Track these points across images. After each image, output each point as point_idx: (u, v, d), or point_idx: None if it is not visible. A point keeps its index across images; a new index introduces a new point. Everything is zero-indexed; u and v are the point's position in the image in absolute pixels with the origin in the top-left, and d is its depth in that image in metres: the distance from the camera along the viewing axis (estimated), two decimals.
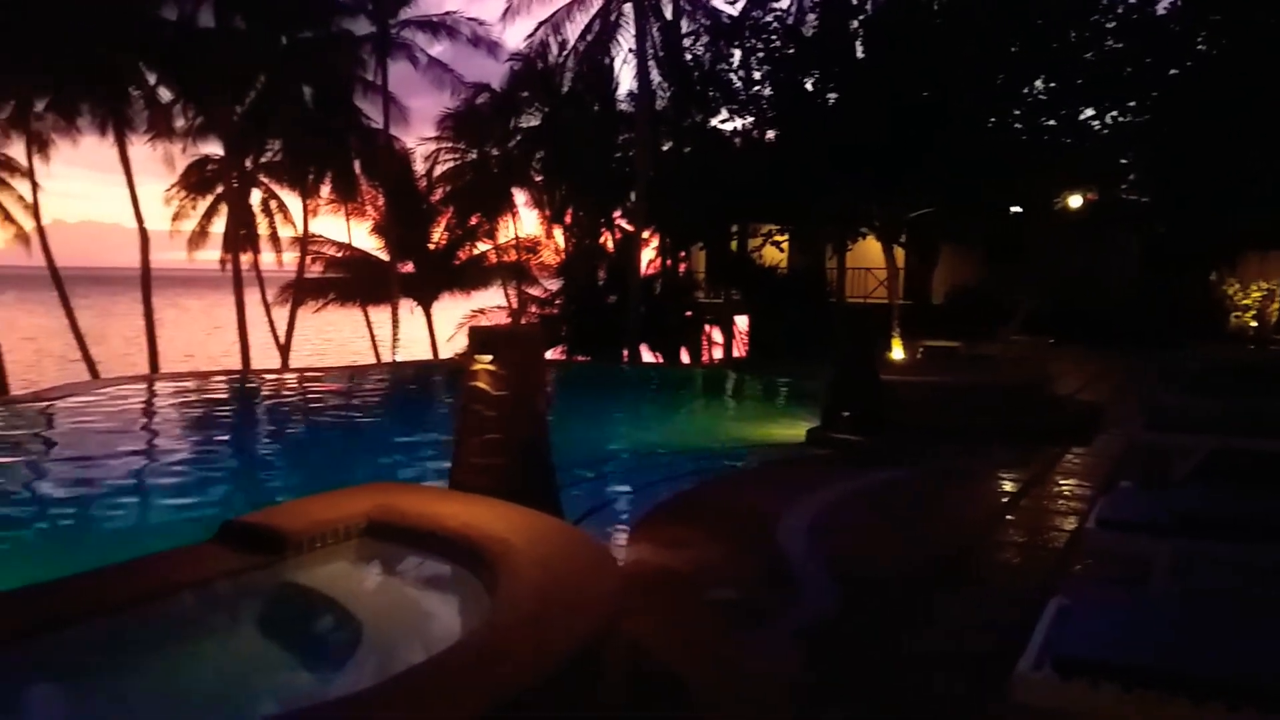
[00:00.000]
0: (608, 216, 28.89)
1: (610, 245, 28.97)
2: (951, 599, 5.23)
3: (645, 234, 26.32)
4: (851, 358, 10.45)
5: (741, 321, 28.14)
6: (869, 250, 22.84)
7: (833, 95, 18.92)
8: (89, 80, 22.04)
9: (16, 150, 24.36)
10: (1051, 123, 17.70)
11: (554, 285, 29.66)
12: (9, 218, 25.62)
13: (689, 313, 26.97)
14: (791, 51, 19.02)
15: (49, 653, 3.60)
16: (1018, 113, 17.73)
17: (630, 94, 26.79)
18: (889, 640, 4.64)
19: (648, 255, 27.64)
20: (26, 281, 33.04)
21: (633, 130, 26.21)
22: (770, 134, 21.62)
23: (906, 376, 13.48)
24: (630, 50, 25.49)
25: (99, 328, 27.47)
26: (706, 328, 28.39)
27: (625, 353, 24.18)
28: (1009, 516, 7.03)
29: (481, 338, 5.61)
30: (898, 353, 17.61)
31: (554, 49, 26.65)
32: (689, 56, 24.02)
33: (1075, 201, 20.15)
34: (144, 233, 24.40)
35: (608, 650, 3.63)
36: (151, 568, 4.28)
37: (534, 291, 30.33)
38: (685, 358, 26.66)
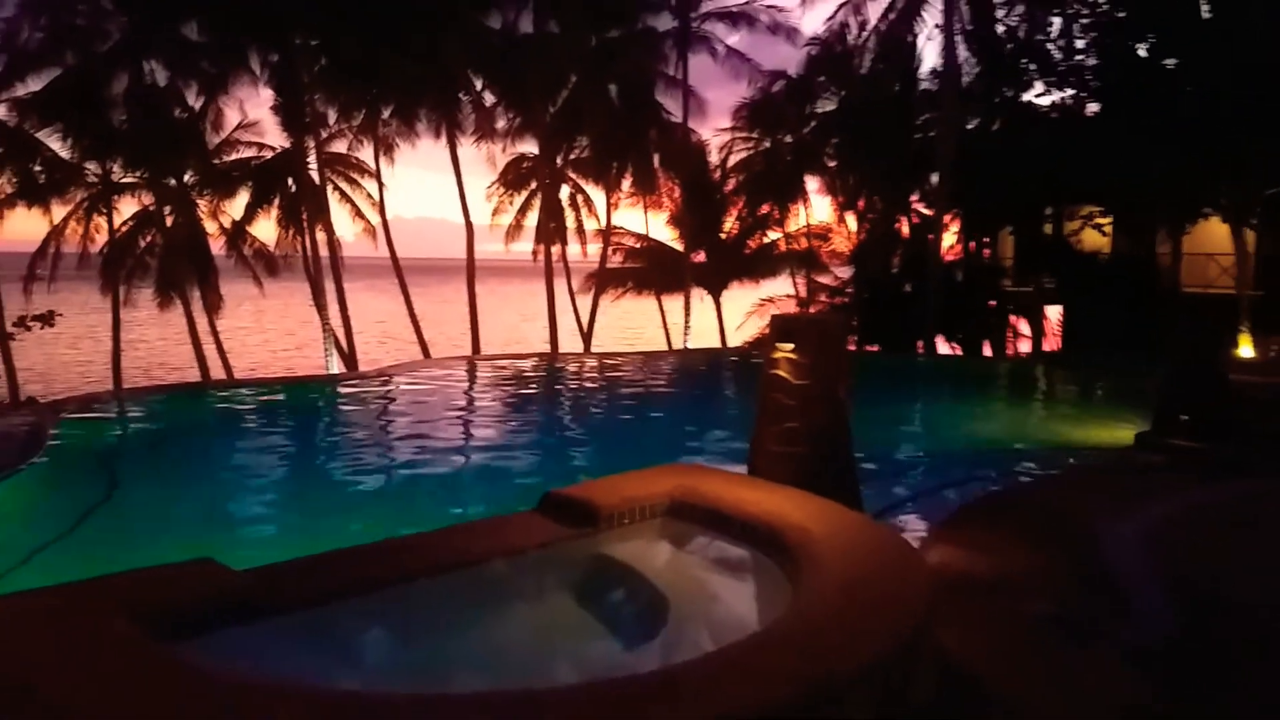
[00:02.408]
0: (904, 201, 27.81)
1: (906, 231, 27.87)
2: None
3: (946, 218, 25.05)
4: (1191, 354, 9.30)
5: (1053, 312, 26.01)
6: (1210, 233, 20.24)
7: (1171, 61, 16.92)
8: (428, 89, 24.57)
9: (366, 154, 27.77)
10: None
11: (844, 273, 29.04)
12: (360, 214, 29.13)
13: (993, 302, 25.35)
14: (1123, 15, 17.22)
15: (392, 604, 3.99)
16: None
17: (933, 71, 25.60)
18: (1245, 671, 4.07)
19: (948, 241, 26.30)
20: (373, 271, 37.59)
21: (935, 109, 25.03)
22: (1093, 107, 19.76)
23: (1259, 377, 11.81)
24: (936, 26, 24.35)
25: (431, 313, 30.63)
26: (1012, 318, 26.55)
27: (920, 344, 23.18)
28: None
29: (783, 326, 5.59)
30: (1246, 350, 15.48)
31: (853, 30, 26.04)
32: (1001, 28, 22.50)
33: None
34: (470, 226, 26.84)
35: (917, 652, 3.48)
36: (486, 532, 4.67)
37: (824, 280, 29.88)
38: (987, 350, 25.12)
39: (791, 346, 5.39)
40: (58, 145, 23.44)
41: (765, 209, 29.48)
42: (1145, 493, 7.17)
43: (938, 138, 24.19)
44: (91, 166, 24.13)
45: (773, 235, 30.33)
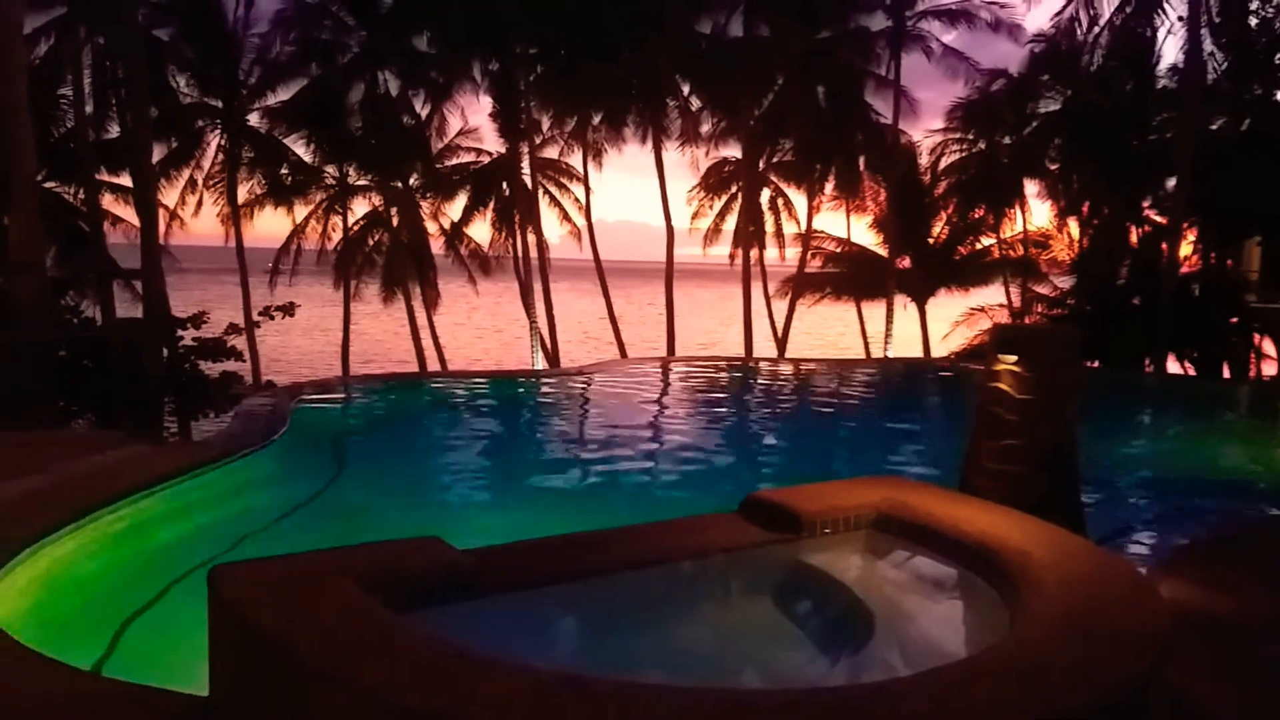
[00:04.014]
0: (1135, 207, 25.84)
1: (1135, 240, 25.89)
2: None
3: (1182, 226, 23.06)
4: None
5: None
6: None
7: None
8: (637, 95, 25.22)
9: (575, 159, 28.82)
10: None
11: (1064, 283, 27.36)
12: (567, 217, 30.25)
13: (1234, 319, 23.10)
14: None
15: (598, 594, 4.07)
16: None
17: (1173, 68, 23.70)
18: None
19: (1184, 251, 24.18)
20: (576, 272, 39.02)
21: (1173, 109, 23.14)
22: None
23: None
24: (1179, 19, 22.50)
25: (629, 314, 31.41)
26: (1256, 337, 24.08)
27: (1148, 362, 21.44)
28: None
29: (1005, 336, 5.32)
30: None
31: (1083, 25, 24.49)
32: (1254, 20, 20.53)
33: None
34: (670, 230, 27.26)
35: (1152, 693, 3.22)
36: (686, 530, 4.70)
37: (1041, 289, 28.24)
38: (1226, 371, 22.92)
39: (1015, 358, 5.11)
40: (302, 150, 25.79)
41: (978, 213, 28.27)
42: None
43: (1176, 140, 22.35)
44: (330, 169, 26.34)
45: (986, 241, 29.03)
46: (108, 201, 23.09)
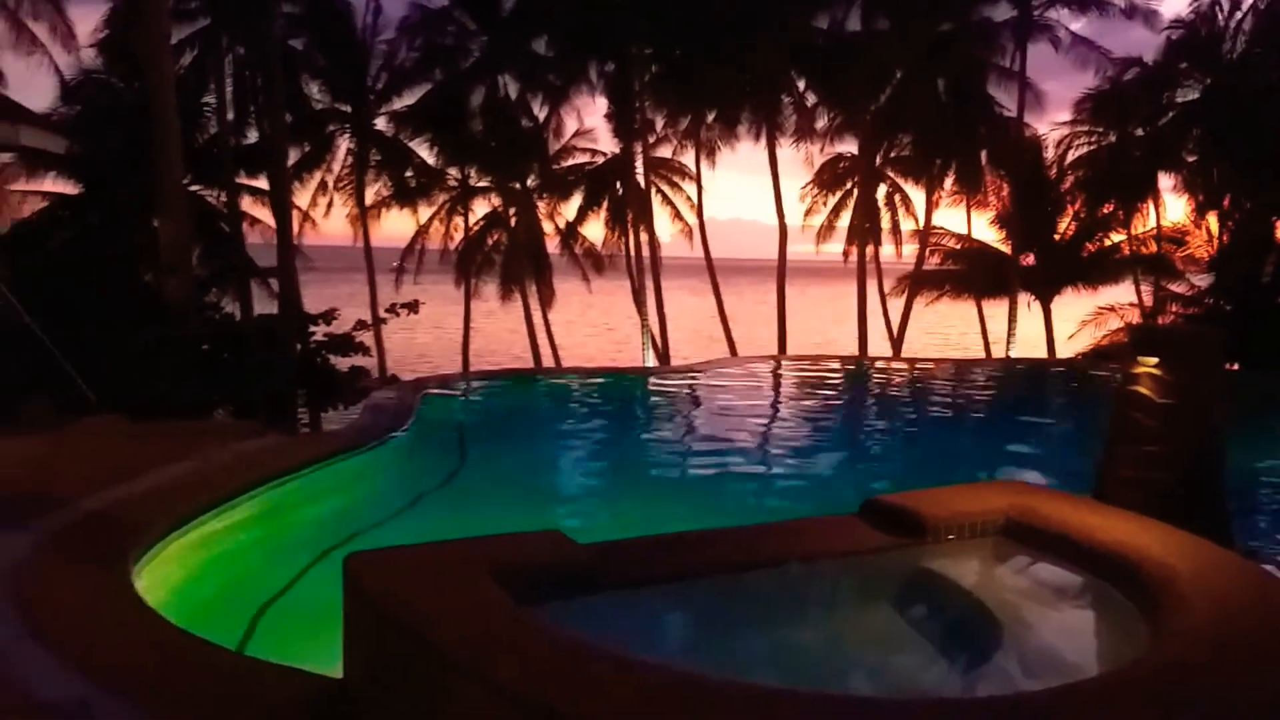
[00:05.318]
0: None
1: None
2: None
3: None
4: None
5: None
6: None
7: None
8: (752, 92, 25.06)
9: (687, 158, 28.83)
10: None
11: (1201, 281, 25.85)
12: (678, 215, 30.29)
13: None
14: None
15: (707, 594, 4.07)
16: None
17: None
18: None
19: None
20: (687, 270, 39.08)
21: None
22: None
23: None
24: None
25: (740, 312, 31.20)
26: None
27: None
28: None
29: (1146, 337, 5.08)
30: None
31: (1225, 9, 23.18)
32: None
33: None
34: (783, 228, 26.99)
35: None
36: (806, 531, 4.65)
37: (1176, 288, 26.75)
38: None
39: (1155, 360, 4.85)
40: (426, 153, 26.61)
41: (1108, 209, 26.98)
42: None
43: None
44: (452, 172, 27.10)
45: (1115, 237, 27.71)
46: (246, 203, 24.30)
